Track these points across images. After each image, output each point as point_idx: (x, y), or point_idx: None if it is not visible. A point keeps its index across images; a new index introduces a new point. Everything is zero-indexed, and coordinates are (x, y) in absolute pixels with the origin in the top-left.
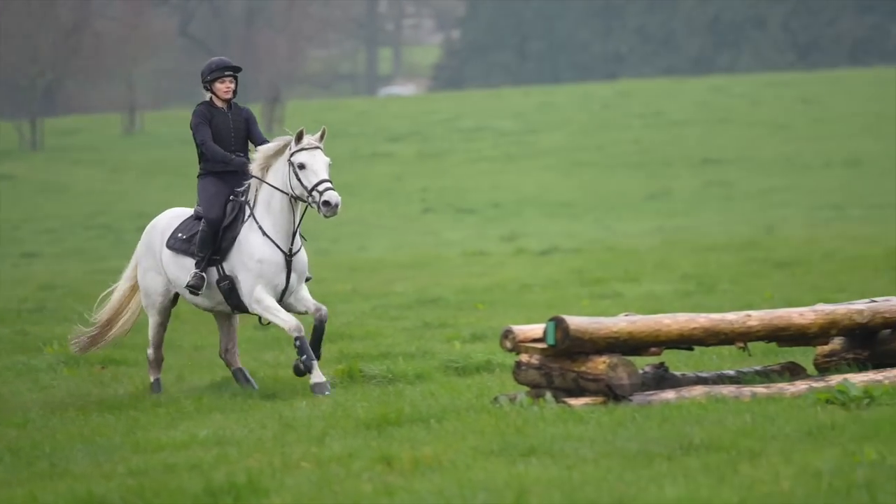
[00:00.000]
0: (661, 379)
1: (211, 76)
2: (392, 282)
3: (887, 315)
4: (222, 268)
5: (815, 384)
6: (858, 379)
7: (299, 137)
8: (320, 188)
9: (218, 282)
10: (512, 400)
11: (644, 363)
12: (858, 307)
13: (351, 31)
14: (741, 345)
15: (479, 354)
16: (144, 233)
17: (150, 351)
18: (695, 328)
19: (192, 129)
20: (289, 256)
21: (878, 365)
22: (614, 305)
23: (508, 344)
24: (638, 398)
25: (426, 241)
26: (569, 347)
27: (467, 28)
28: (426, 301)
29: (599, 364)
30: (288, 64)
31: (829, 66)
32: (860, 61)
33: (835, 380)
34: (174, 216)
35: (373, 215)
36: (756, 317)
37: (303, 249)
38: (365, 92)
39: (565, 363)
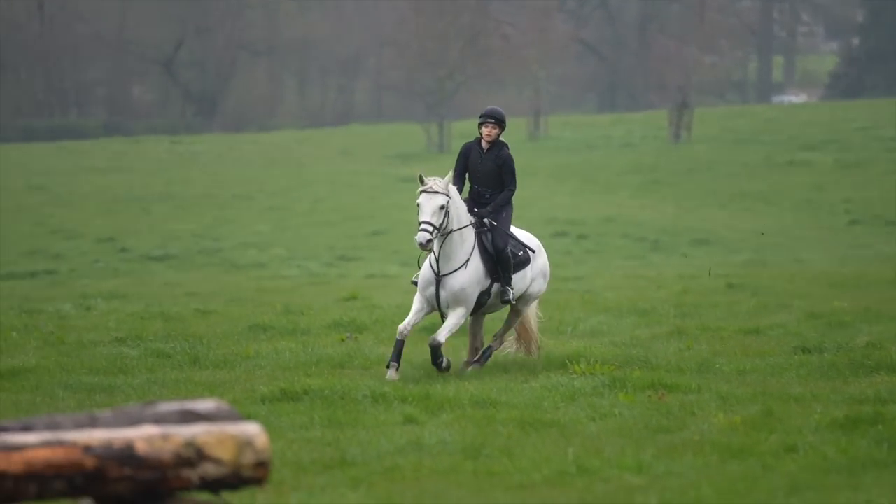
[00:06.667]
0: None
1: None
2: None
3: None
4: None
5: None
6: None
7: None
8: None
9: None
10: None
11: None
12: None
13: (743, 38)
14: None
15: None
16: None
17: None
18: None
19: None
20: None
21: None
22: None
23: None
24: None
25: (859, 255)
26: None
27: (867, 35)
28: None
29: None
30: (690, 70)
31: None
32: None
33: None
34: None
35: (795, 226)
36: None
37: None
38: (755, 100)
39: None
